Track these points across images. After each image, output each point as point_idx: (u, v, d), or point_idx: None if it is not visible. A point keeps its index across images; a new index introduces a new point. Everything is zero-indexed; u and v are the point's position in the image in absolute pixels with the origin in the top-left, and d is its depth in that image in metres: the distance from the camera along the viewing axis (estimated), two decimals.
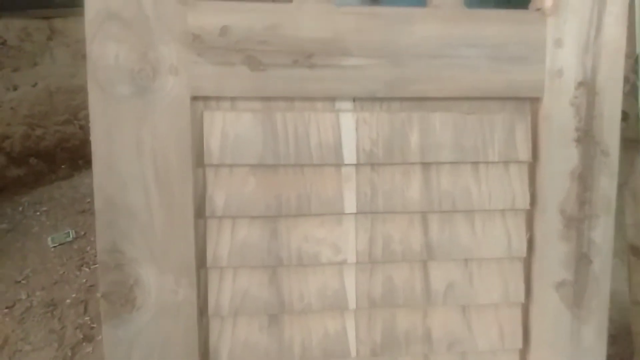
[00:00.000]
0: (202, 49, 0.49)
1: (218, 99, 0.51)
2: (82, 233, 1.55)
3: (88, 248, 1.47)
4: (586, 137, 0.56)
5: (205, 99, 0.51)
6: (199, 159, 0.51)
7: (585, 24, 0.54)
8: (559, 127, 0.55)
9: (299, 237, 0.53)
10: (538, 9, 0.54)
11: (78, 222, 1.62)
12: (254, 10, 0.50)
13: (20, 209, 1.69)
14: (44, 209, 1.70)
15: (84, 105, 1.90)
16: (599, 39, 0.54)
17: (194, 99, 0.50)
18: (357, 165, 0.53)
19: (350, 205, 0.53)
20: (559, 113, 0.55)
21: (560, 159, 0.55)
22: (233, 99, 0.51)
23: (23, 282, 1.32)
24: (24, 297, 1.25)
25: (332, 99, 0.52)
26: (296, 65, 0.51)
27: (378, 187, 0.53)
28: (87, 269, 1.37)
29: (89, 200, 1.76)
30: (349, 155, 0.52)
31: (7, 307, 1.21)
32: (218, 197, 0.51)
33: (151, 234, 0.50)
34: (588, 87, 0.55)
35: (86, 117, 1.92)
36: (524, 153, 0.55)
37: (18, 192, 1.75)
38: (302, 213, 0.52)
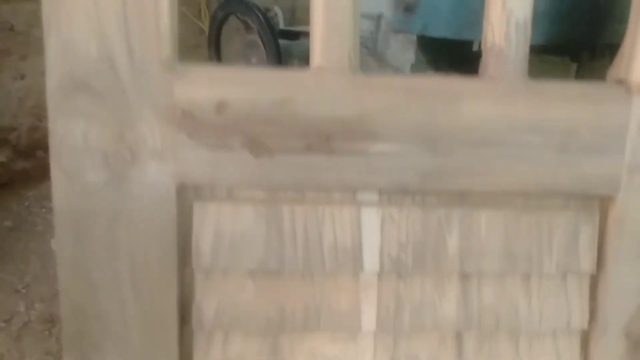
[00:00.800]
0: (194, 128, 0.39)
1: (212, 187, 0.41)
2: None
3: None
4: None
5: (196, 187, 0.41)
6: (186, 260, 0.42)
7: None
8: (634, 233, 0.44)
9: (305, 356, 0.43)
10: (620, 82, 0.43)
11: None
12: (259, 81, 0.39)
13: (26, 203, 1.64)
14: (50, 205, 1.64)
15: None
16: None
17: (182, 187, 0.40)
18: (380, 273, 0.43)
19: (369, 321, 0.43)
20: (636, 216, 0.44)
21: (631, 271, 0.44)
22: (230, 187, 0.41)
23: (23, 291, 1.27)
24: (22, 309, 1.20)
25: (354, 192, 0.42)
26: (310, 151, 0.40)
27: (405, 300, 0.43)
28: None
29: None
30: (371, 260, 0.42)
31: (4, 321, 1.16)
32: (208, 306, 0.42)
33: (127, 347, 0.42)
34: None
35: None
36: (588, 263, 0.44)
37: (24, 185, 1.69)
38: (309, 328, 0.43)
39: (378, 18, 1.02)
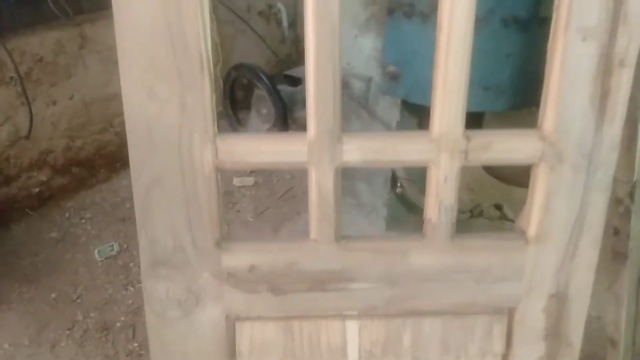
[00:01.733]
0: (235, 282, 0.60)
1: (247, 316, 0.63)
2: (125, 246, 1.72)
3: (131, 264, 1.65)
4: (554, 334, 0.66)
5: (237, 316, 0.63)
6: None
7: (563, 249, 0.62)
8: (531, 328, 0.65)
9: None
10: (522, 232, 0.63)
11: (120, 231, 1.79)
12: (276, 251, 0.60)
13: (67, 215, 1.87)
14: (88, 215, 1.87)
15: (117, 113, 2.00)
16: (574, 260, 0.63)
17: (228, 316, 0.62)
18: None
19: None
20: (532, 318, 0.65)
21: (530, 351, 0.66)
22: (259, 315, 0.63)
23: (78, 300, 1.52)
24: (80, 318, 1.46)
25: (340, 312, 0.64)
26: (311, 291, 0.62)
27: None
28: (132, 288, 1.56)
29: (127, 205, 1.92)
30: (353, 354, 0.64)
31: (68, 329, 1.42)
32: None
33: None
34: (559, 297, 0.64)
35: (121, 124, 2.03)
36: (500, 347, 0.66)
37: (63, 197, 1.92)
38: None
39: (369, 80, 1.19)
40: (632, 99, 0.86)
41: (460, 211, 1.53)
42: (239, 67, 1.21)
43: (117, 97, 1.96)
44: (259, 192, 1.99)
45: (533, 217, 0.62)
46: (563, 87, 0.55)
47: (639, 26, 0.54)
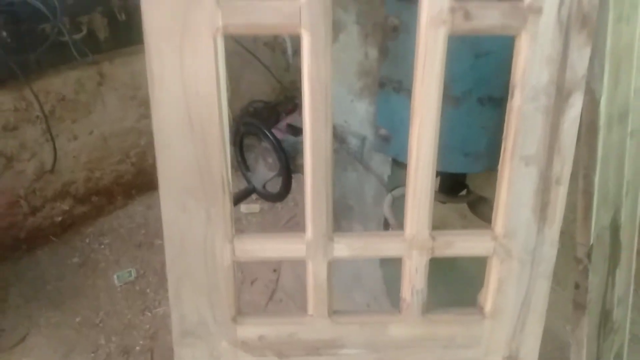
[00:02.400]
0: (247, 348, 0.75)
1: None
2: (142, 272, 1.87)
3: (148, 290, 1.80)
4: None
5: None
6: None
7: (513, 323, 0.76)
8: None
9: None
10: (481, 308, 0.77)
11: (136, 257, 1.94)
12: (280, 324, 0.75)
13: (87, 240, 2.03)
14: (107, 241, 2.03)
15: (133, 145, 2.15)
16: (523, 331, 0.77)
17: None
18: None
19: None
20: None
21: None
22: None
23: (100, 325, 1.67)
24: (103, 342, 1.61)
25: None
26: (309, 355, 0.76)
27: None
28: (149, 314, 1.71)
29: (142, 232, 2.08)
30: None
31: (92, 352, 1.57)
32: None
33: None
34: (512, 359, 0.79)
35: (136, 155, 2.18)
36: None
37: (83, 224, 2.07)
38: None
39: (363, 139, 1.33)
40: (587, 177, 1.00)
41: None
42: (247, 124, 1.35)
43: (132, 131, 2.12)
44: (264, 219, 2.14)
45: (489, 297, 0.76)
46: (510, 201, 0.69)
47: (570, 154, 0.68)
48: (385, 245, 0.72)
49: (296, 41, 2.85)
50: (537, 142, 0.67)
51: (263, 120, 2.15)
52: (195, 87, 0.63)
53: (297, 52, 2.80)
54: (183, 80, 0.62)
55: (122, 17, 2.01)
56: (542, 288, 0.74)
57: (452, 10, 0.61)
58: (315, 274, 0.72)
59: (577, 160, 1.00)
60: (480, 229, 0.73)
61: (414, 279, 0.73)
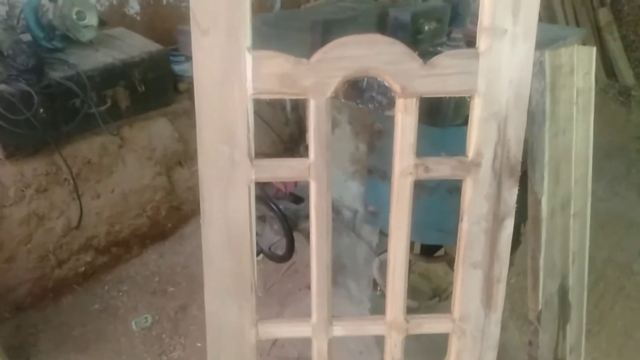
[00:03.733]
0: None
1: None
2: (157, 318, 2.09)
3: (163, 335, 2.01)
4: None
5: None
6: None
7: None
8: None
9: None
10: None
11: (152, 304, 2.16)
12: None
13: (107, 288, 2.24)
14: (125, 288, 2.24)
15: (149, 200, 2.38)
16: None
17: None
18: None
19: None
20: None
21: None
22: None
23: None
24: None
25: None
26: None
27: None
28: (165, 357, 1.92)
29: (157, 279, 2.30)
30: None
31: None
32: None
33: None
34: None
35: (152, 209, 2.41)
36: None
37: (103, 272, 2.28)
38: None
39: (355, 212, 1.58)
40: (534, 257, 1.26)
41: (430, 298, 1.94)
42: (257, 197, 1.60)
43: (149, 187, 2.37)
44: (266, 267, 2.36)
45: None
46: (463, 295, 0.94)
47: (506, 260, 0.93)
48: (372, 327, 0.96)
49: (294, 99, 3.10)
50: (481, 253, 0.92)
51: None
52: (233, 218, 0.87)
53: (295, 107, 3.07)
54: (225, 214, 0.86)
55: (142, 88, 2.26)
56: (490, 357, 0.98)
57: (416, 166, 0.86)
58: (319, 350, 0.95)
59: (526, 243, 1.26)
60: (442, 315, 0.97)
61: (393, 352, 0.96)
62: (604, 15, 4.78)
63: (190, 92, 2.59)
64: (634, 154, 3.72)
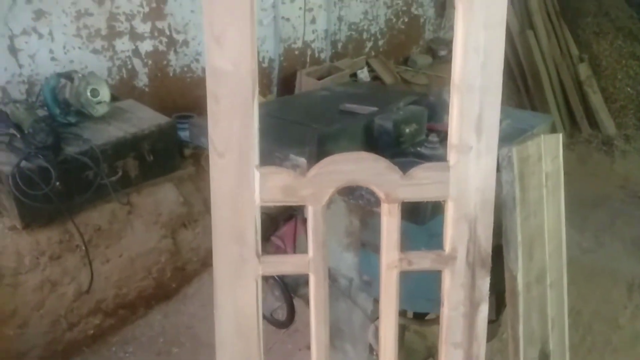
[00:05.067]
0: None
1: None
2: None
3: None
4: None
5: None
6: None
7: None
8: None
9: None
10: None
11: None
12: None
13: (114, 349, 2.32)
14: (130, 349, 2.33)
15: (155, 262, 2.50)
16: None
17: None
18: None
19: None
20: None
21: None
22: None
23: None
24: None
25: None
26: None
27: None
28: None
29: (161, 340, 2.38)
30: None
31: None
32: None
33: None
34: None
35: (157, 271, 2.52)
36: None
37: (110, 334, 2.37)
38: None
39: (351, 280, 1.70)
40: (513, 327, 1.37)
41: (425, 359, 2.04)
42: None
43: (154, 250, 2.50)
44: (268, 326, 2.46)
45: None
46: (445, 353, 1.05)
47: (483, 340, 1.05)
48: None
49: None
50: (460, 334, 1.04)
51: (265, 229, 2.53)
52: (242, 307, 1.00)
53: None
54: (235, 304, 0.99)
55: (150, 157, 2.42)
56: None
57: (401, 259, 1.00)
58: None
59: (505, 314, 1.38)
60: None
61: None
62: (584, 70, 5.06)
63: (194, 157, 2.76)
64: (618, 203, 3.87)
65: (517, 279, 1.32)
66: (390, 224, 0.98)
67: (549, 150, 1.42)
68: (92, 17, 2.56)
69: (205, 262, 2.63)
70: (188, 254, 2.66)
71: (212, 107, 0.93)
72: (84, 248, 2.21)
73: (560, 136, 1.48)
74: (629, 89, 5.14)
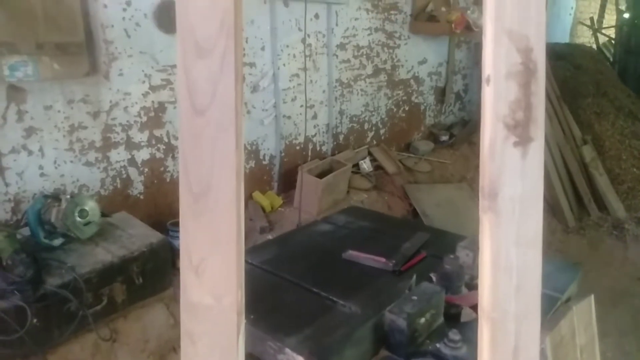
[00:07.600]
0: None
1: None
2: None
3: None
4: None
5: None
6: None
7: None
8: None
9: None
10: None
11: None
12: None
13: None
14: None
15: None
16: None
17: None
18: None
19: None
20: None
21: None
22: None
23: None
24: None
25: None
26: None
27: None
28: None
29: None
30: None
31: None
32: None
33: None
34: None
35: None
36: None
37: None
38: None
39: None
40: None
41: None
42: None
43: None
44: None
45: None
46: None
47: None
48: None
49: None
50: None
51: None
52: None
53: None
54: None
55: (139, 280, 2.25)
56: None
57: None
58: None
59: None
60: None
61: None
62: (588, 152, 5.00)
63: None
64: (638, 300, 3.65)
65: None
66: None
67: (581, 320, 1.26)
68: (86, 130, 2.47)
69: None
70: None
71: (187, 349, 0.77)
72: None
73: (592, 299, 1.32)
74: (635, 170, 5.06)
